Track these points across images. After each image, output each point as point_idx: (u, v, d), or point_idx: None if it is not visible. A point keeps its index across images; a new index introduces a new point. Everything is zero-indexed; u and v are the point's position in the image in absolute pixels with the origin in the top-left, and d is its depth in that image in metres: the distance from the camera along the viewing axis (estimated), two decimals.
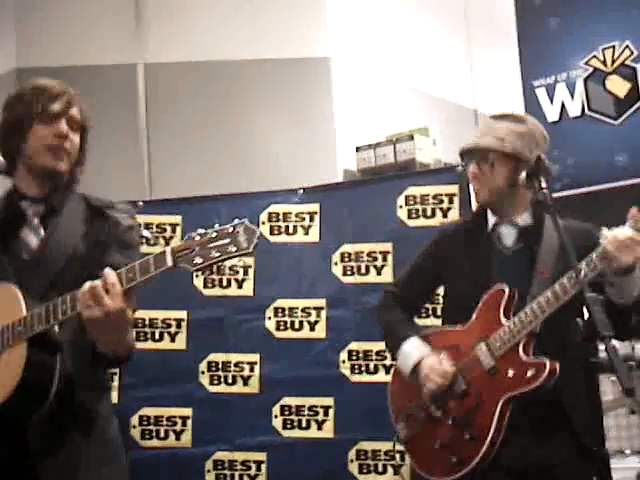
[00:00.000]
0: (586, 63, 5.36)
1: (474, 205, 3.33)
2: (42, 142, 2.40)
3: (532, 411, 2.70)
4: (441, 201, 4.29)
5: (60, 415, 2.25)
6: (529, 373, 2.66)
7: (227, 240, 2.03)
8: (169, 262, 2.05)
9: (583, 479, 2.78)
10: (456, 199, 4.24)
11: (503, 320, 2.76)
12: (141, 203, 4.58)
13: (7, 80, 6.10)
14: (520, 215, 2.92)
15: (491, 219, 2.96)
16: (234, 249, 2.03)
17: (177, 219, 4.47)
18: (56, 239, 2.38)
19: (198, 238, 2.05)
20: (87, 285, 2.08)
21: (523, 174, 2.77)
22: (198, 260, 2.03)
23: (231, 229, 2.04)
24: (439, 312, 3.61)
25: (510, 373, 2.71)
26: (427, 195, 4.33)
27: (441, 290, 3.23)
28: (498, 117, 2.98)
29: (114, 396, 4.28)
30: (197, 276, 4.41)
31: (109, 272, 2.10)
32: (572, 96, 5.39)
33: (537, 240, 2.86)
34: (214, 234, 2.04)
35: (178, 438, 4.29)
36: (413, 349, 2.93)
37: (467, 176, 3.08)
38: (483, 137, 2.93)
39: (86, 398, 2.36)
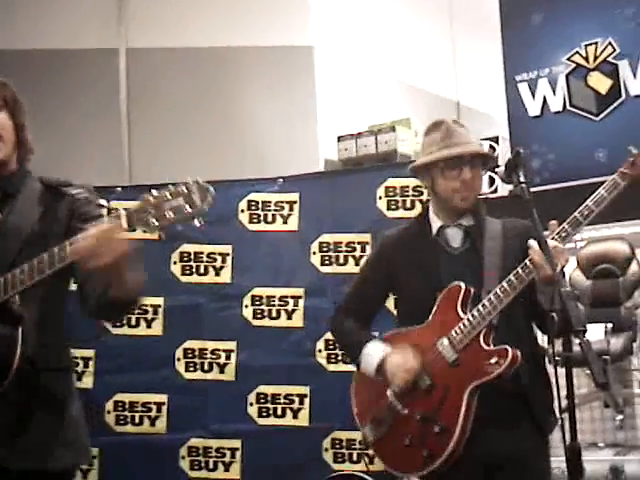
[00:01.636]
0: (568, 59, 5.38)
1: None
2: None
3: (496, 403, 2.73)
4: (421, 193, 4.30)
5: (20, 393, 2.25)
6: (492, 360, 2.70)
7: (181, 200, 2.01)
8: (124, 224, 2.03)
9: (544, 464, 2.89)
10: None
11: (461, 314, 2.80)
12: (119, 189, 4.57)
13: None
14: (464, 217, 2.98)
15: (436, 222, 2.99)
16: (189, 209, 2.01)
17: None
18: (12, 221, 2.37)
19: (152, 199, 2.02)
20: (91, 230, 2.07)
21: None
22: (153, 221, 2.01)
23: (185, 189, 2.02)
24: None
25: (473, 363, 2.75)
26: (407, 187, 4.34)
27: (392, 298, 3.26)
28: (458, 124, 3.00)
29: (89, 381, 4.28)
30: (175, 263, 4.41)
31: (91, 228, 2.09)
32: (554, 91, 5.40)
33: (481, 240, 2.92)
34: (168, 194, 2.02)
35: (153, 424, 4.29)
36: (376, 350, 2.95)
37: None
38: (472, 143, 2.97)
39: (48, 378, 2.36)
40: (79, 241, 2.09)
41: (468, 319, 2.77)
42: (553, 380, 2.63)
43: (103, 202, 2.32)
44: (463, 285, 2.82)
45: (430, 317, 2.87)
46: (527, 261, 2.69)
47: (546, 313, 2.65)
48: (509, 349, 2.69)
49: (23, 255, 2.26)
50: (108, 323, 2.49)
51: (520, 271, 2.70)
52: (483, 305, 2.75)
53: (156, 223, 2.01)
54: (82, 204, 2.43)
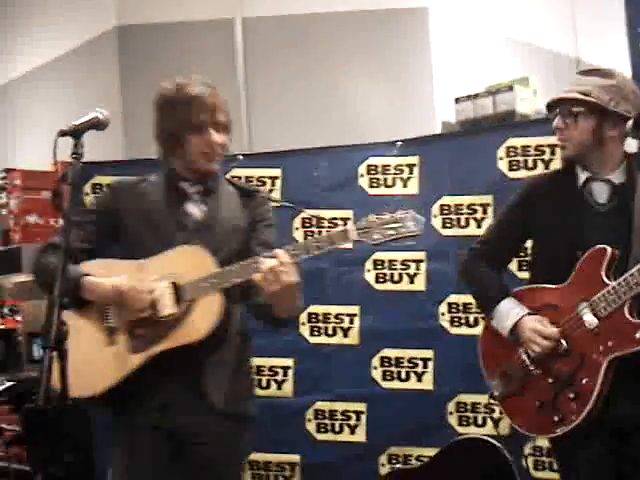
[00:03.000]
0: None
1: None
2: (197, 150, 2.80)
3: (624, 367, 2.68)
4: (543, 152, 4.21)
5: (234, 355, 2.81)
6: (638, 334, 2.64)
7: (399, 224, 2.51)
8: (354, 236, 2.52)
9: None
10: (558, 150, 4.15)
11: (606, 280, 2.72)
12: (241, 156, 4.63)
13: (108, 38, 6.22)
14: (612, 172, 2.86)
15: (582, 175, 2.90)
16: (405, 230, 2.51)
17: (277, 172, 4.50)
18: (218, 213, 2.84)
19: (375, 219, 2.52)
20: (266, 264, 2.53)
21: (629, 124, 2.73)
22: (377, 236, 2.51)
23: (402, 215, 2.52)
24: None
25: (616, 333, 2.69)
26: (529, 146, 4.25)
27: (529, 244, 3.16)
28: (586, 72, 2.92)
29: None
30: (297, 229, 4.45)
31: (279, 251, 2.56)
32: None
33: (631, 200, 2.80)
34: (388, 218, 2.52)
35: (280, 387, 4.38)
36: (509, 309, 2.92)
37: None
38: (567, 91, 2.86)
39: (248, 345, 2.92)
40: (260, 266, 2.54)
41: (614, 287, 2.68)
42: None
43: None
44: (609, 248, 2.73)
45: (570, 277, 2.80)
46: None
47: None
48: None
49: (226, 245, 2.76)
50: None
51: None
52: (632, 275, 2.64)
53: (378, 237, 2.52)
54: (266, 210, 2.94)
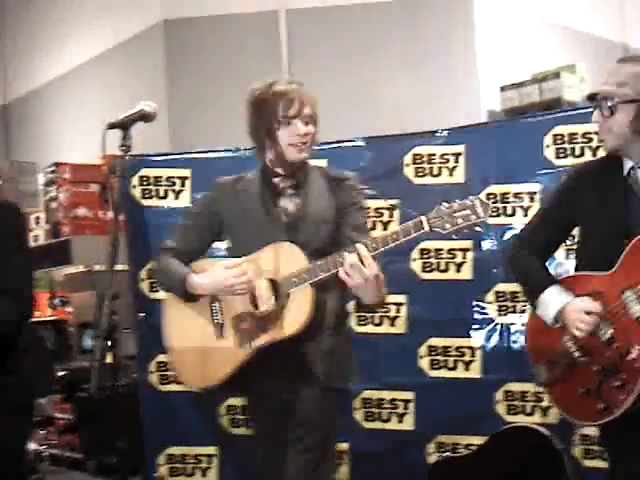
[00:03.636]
0: None
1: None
2: (286, 142, 2.97)
3: None
4: (590, 139, 4.17)
5: (331, 340, 3.02)
6: None
7: (468, 211, 2.62)
8: (426, 227, 2.66)
9: None
10: None
11: None
12: None
13: (154, 32, 6.29)
14: None
15: (627, 163, 2.86)
16: (474, 217, 2.63)
17: (323, 162, 4.50)
18: (309, 205, 3.01)
19: (445, 209, 2.65)
20: (348, 260, 2.70)
21: None
22: (448, 225, 2.64)
23: (470, 202, 2.64)
24: None
25: None
26: (576, 134, 4.21)
27: (575, 231, 3.13)
28: (624, 60, 2.87)
29: None
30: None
31: (359, 246, 2.72)
32: None
33: None
34: (457, 206, 2.64)
35: None
36: (554, 297, 2.90)
37: None
38: (604, 83, 2.83)
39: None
40: (345, 259, 2.72)
41: None
42: None
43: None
44: None
45: (616, 266, 2.77)
46: None
47: None
48: None
49: (318, 235, 2.96)
50: None
51: None
52: None
53: (449, 226, 2.64)
54: (356, 194, 3.09)
